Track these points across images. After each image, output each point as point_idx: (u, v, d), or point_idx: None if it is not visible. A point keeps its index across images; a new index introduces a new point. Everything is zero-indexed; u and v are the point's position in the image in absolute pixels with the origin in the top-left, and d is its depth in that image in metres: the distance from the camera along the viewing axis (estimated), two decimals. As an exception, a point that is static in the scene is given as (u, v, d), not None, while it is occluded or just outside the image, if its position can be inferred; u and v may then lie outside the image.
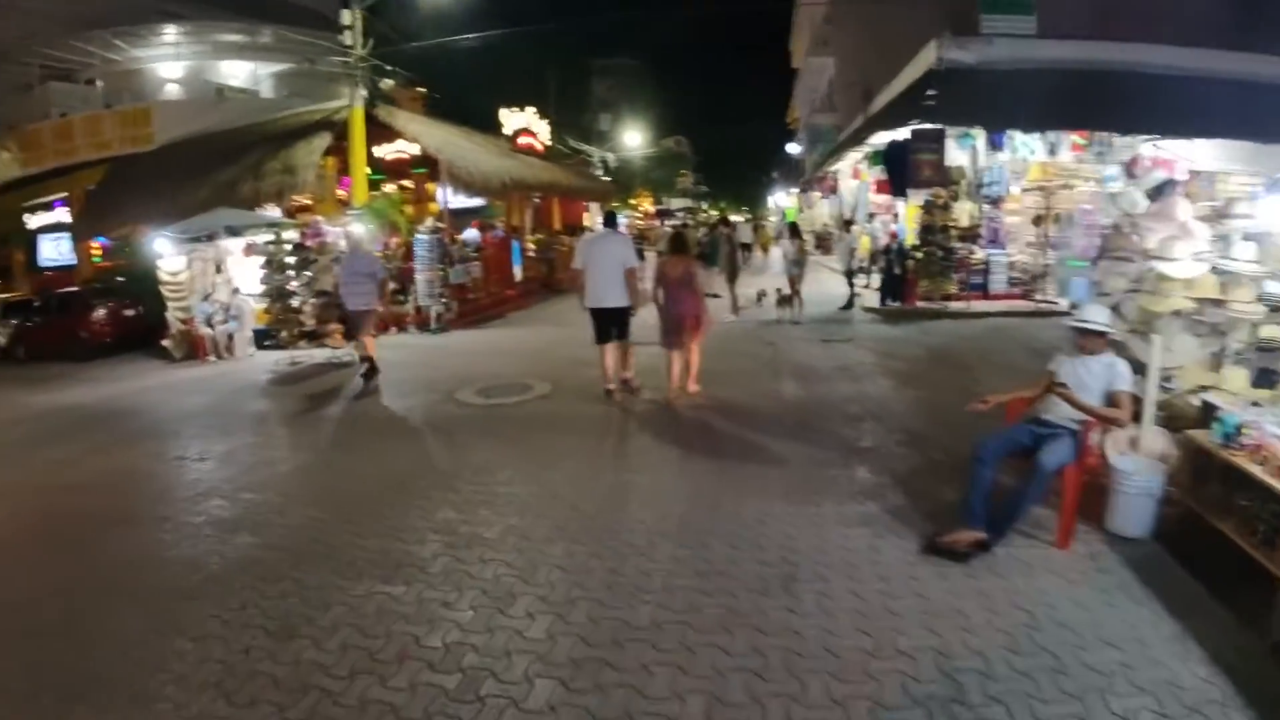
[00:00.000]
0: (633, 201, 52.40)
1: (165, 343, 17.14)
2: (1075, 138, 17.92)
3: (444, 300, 17.31)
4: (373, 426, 9.75)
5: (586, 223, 34.36)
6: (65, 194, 25.65)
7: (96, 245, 25.02)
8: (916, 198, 18.22)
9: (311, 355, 14.67)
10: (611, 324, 9.89)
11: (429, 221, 17.57)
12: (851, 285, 18.77)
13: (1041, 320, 16.02)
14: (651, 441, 8.28)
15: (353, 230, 13.85)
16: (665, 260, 9.97)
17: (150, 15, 27.05)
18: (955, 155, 17.78)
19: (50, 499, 7.84)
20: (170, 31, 27.26)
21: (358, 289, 12.04)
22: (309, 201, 19.77)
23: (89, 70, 27.14)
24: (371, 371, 11.96)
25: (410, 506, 6.72)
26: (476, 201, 24.89)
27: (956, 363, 12.01)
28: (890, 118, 17.92)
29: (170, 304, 17.00)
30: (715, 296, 17.70)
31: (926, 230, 17.57)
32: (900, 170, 17.42)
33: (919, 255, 17.74)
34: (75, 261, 26.39)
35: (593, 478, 7.18)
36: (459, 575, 5.39)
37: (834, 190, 32.17)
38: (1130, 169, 17.40)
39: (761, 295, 18.44)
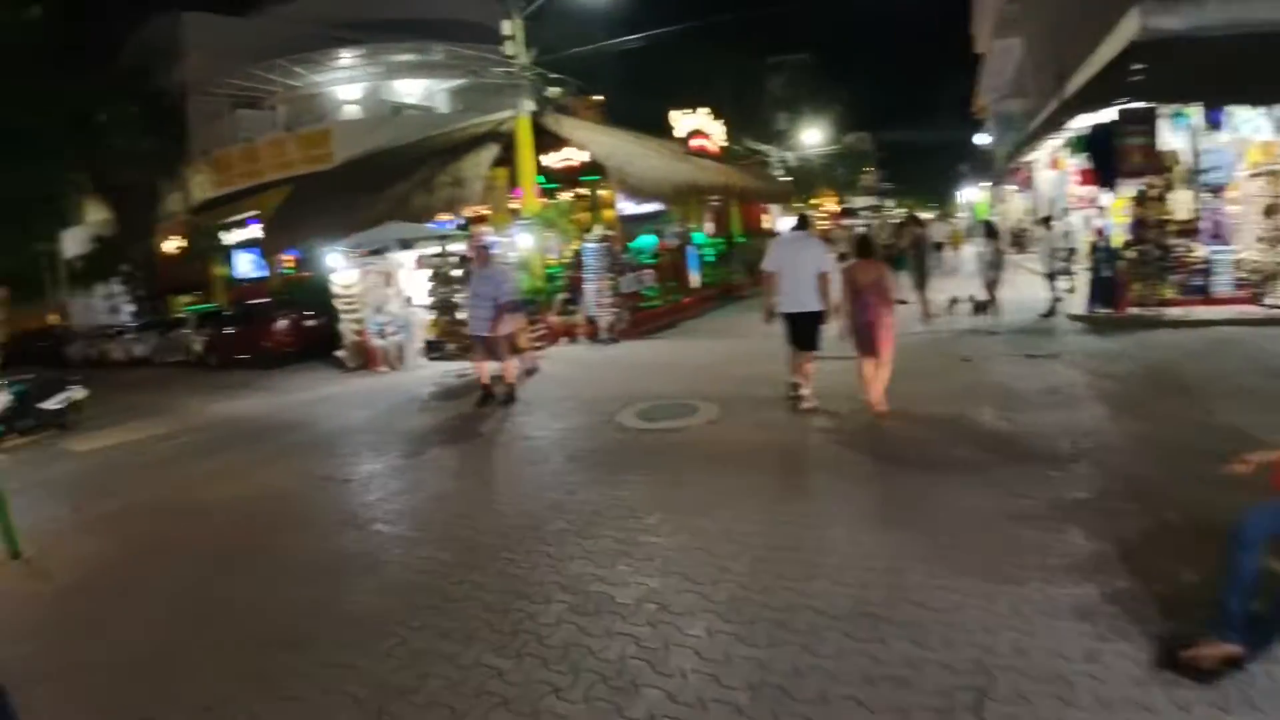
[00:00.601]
0: (814, 201, 50.87)
1: (339, 353, 17.36)
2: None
3: (614, 310, 16.63)
4: (522, 452, 9.10)
5: (765, 225, 33.26)
6: (256, 212, 26.67)
7: (289, 258, 25.91)
8: (1126, 188, 16.26)
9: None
10: (804, 329, 9.50)
11: (597, 230, 16.95)
12: (1054, 289, 16.94)
13: (1277, 331, 13.94)
14: (825, 483, 7.02)
15: (485, 242, 12.58)
16: (854, 265, 9.40)
17: (328, 42, 27.96)
18: (1168, 138, 15.69)
19: (169, 524, 7.88)
20: (346, 56, 28.16)
21: (479, 313, 11.34)
22: (485, 212, 19.68)
23: (273, 97, 28.32)
24: (507, 398, 11.46)
25: (542, 554, 5.91)
26: (655, 207, 24.48)
27: (1183, 386, 10.18)
28: (1090, 99, 16.00)
29: (344, 316, 17.17)
30: (903, 303, 16.40)
31: (1139, 225, 15.59)
32: (1106, 158, 15.44)
33: (1130, 254, 15.78)
34: (267, 274, 27.60)
35: (752, 529, 5.99)
36: (579, 652, 4.48)
37: (1029, 183, 29.71)
38: None
39: (954, 302, 16.91)
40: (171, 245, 34.97)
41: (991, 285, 15.06)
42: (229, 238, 30.38)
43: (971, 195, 57.85)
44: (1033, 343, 13.21)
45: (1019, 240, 31.41)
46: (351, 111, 29.12)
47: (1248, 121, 15.35)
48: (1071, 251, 16.84)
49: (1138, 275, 15.47)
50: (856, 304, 9.10)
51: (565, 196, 23.33)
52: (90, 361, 32.47)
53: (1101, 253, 15.84)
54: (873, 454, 7.61)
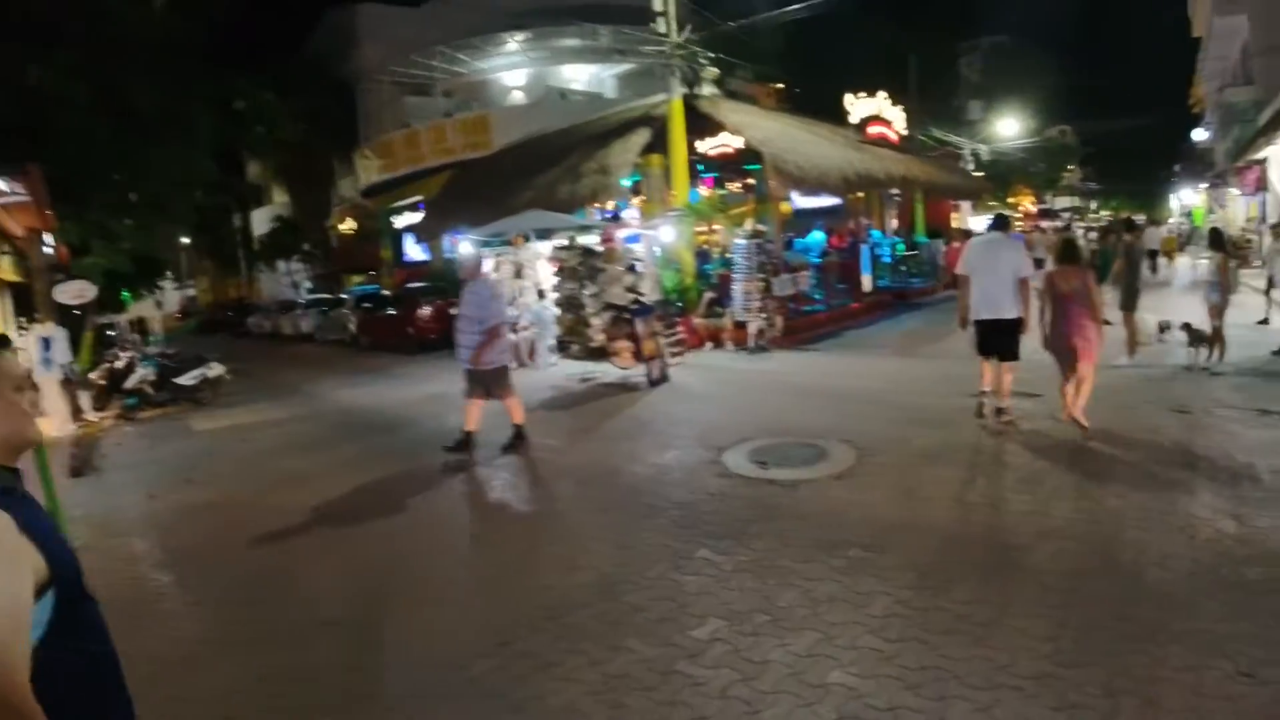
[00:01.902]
0: (1010, 200, 47.51)
1: (473, 347, 16.63)
2: None
3: (764, 315, 15.01)
4: (602, 493, 7.48)
5: (955, 224, 30.65)
6: (420, 197, 26.50)
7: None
8: None
9: (606, 371, 13.12)
10: (999, 338, 8.91)
11: (748, 224, 15.35)
12: None
13: None
14: (979, 595, 4.75)
15: (467, 252, 9.52)
16: (1056, 271, 8.80)
17: (498, 28, 27.53)
18: None
19: (222, 532, 7.32)
20: (512, 41, 27.57)
21: (462, 339, 9.00)
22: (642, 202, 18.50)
23: (440, 84, 28.08)
24: (514, 442, 9.17)
25: (543, 670, 4.32)
26: (833, 202, 22.76)
27: None
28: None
29: (476, 308, 16.40)
30: (1107, 324, 14.10)
31: None
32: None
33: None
34: (430, 258, 27.60)
35: (859, 678, 4.00)
36: None
37: (1260, 184, 26.00)
38: None
39: (1165, 328, 14.37)
40: (347, 227, 35.72)
41: (1217, 312, 12.48)
42: (399, 221, 30.64)
43: (1187, 198, 52.72)
44: (1269, 392, 10.63)
45: (1241, 253, 27.50)
46: (517, 98, 28.62)
47: None
48: None
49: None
50: (1057, 314, 8.57)
51: (734, 187, 22.02)
52: (264, 334, 33.90)
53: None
54: (1058, 565, 5.24)
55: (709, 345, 15.65)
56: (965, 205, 32.12)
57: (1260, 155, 23.09)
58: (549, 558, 5.92)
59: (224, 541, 7.07)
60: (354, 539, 6.85)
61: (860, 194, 23.56)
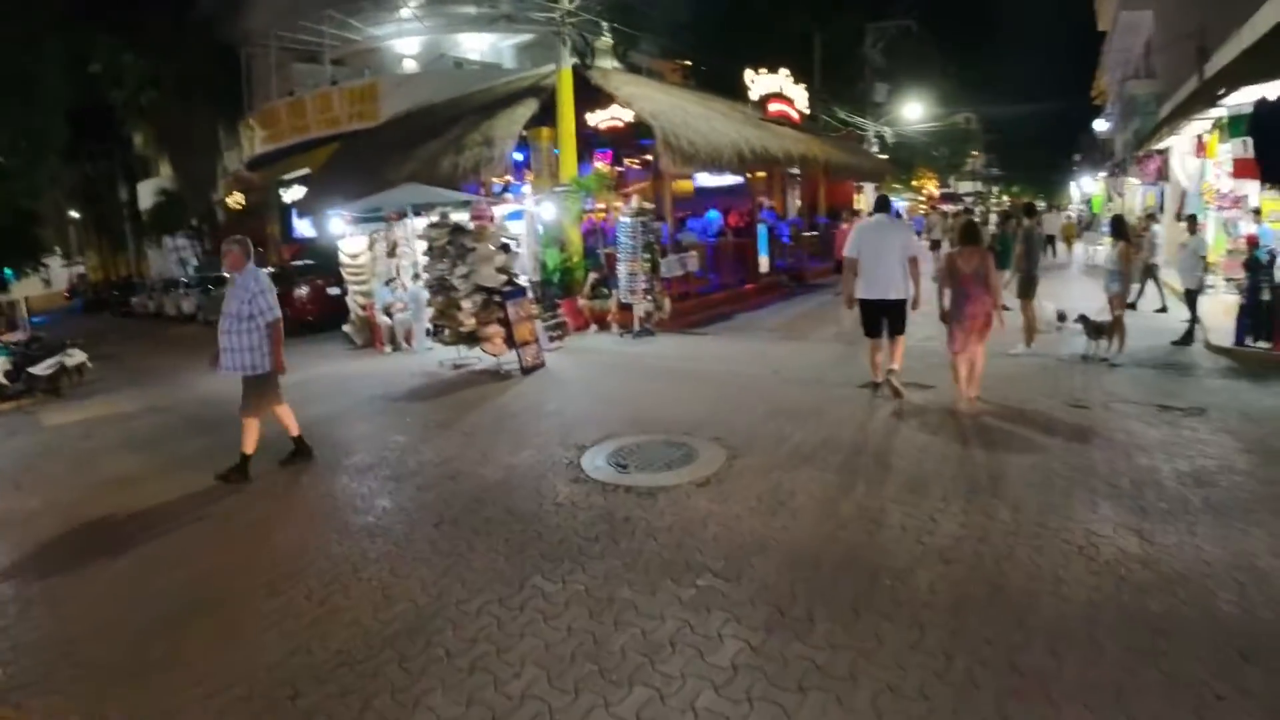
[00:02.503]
0: (914, 183, 47.77)
1: (346, 328, 15.78)
2: None
3: (650, 297, 14.38)
4: (440, 502, 6.62)
5: (859, 206, 30.39)
6: (308, 169, 25.22)
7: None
8: None
9: (480, 358, 12.39)
10: (885, 318, 9.22)
11: (634, 202, 14.66)
12: (1194, 310, 13.98)
13: None
14: (844, 638, 4.17)
15: (233, 241, 7.95)
16: (957, 252, 9.03)
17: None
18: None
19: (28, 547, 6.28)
20: (405, 6, 26.27)
21: (225, 340, 7.52)
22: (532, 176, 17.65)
23: (330, 51, 26.69)
24: (297, 453, 8.03)
25: None
26: (735, 180, 22.18)
27: None
28: (1253, 68, 13.08)
29: (351, 287, 15.51)
30: (1005, 309, 13.79)
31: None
32: (1276, 145, 12.50)
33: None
34: (317, 235, 26.35)
35: None
36: None
37: (1160, 174, 26.18)
38: None
39: (1063, 318, 14.17)
40: (235, 200, 34.01)
41: (1117, 302, 12.21)
42: (287, 195, 29.09)
43: (1086, 186, 53.68)
44: (1167, 387, 10.34)
45: (1139, 239, 27.91)
46: (409, 66, 27.31)
47: None
48: (1201, 259, 13.75)
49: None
50: (957, 294, 8.75)
51: (633, 164, 21.25)
52: (149, 314, 32.12)
53: (1261, 270, 12.89)
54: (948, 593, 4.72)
55: (594, 328, 15.02)
56: (868, 187, 31.92)
57: (1162, 146, 23.23)
58: (362, 585, 5.15)
59: (22, 561, 6.12)
60: (150, 560, 5.95)
61: (761, 173, 23.12)
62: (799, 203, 27.59)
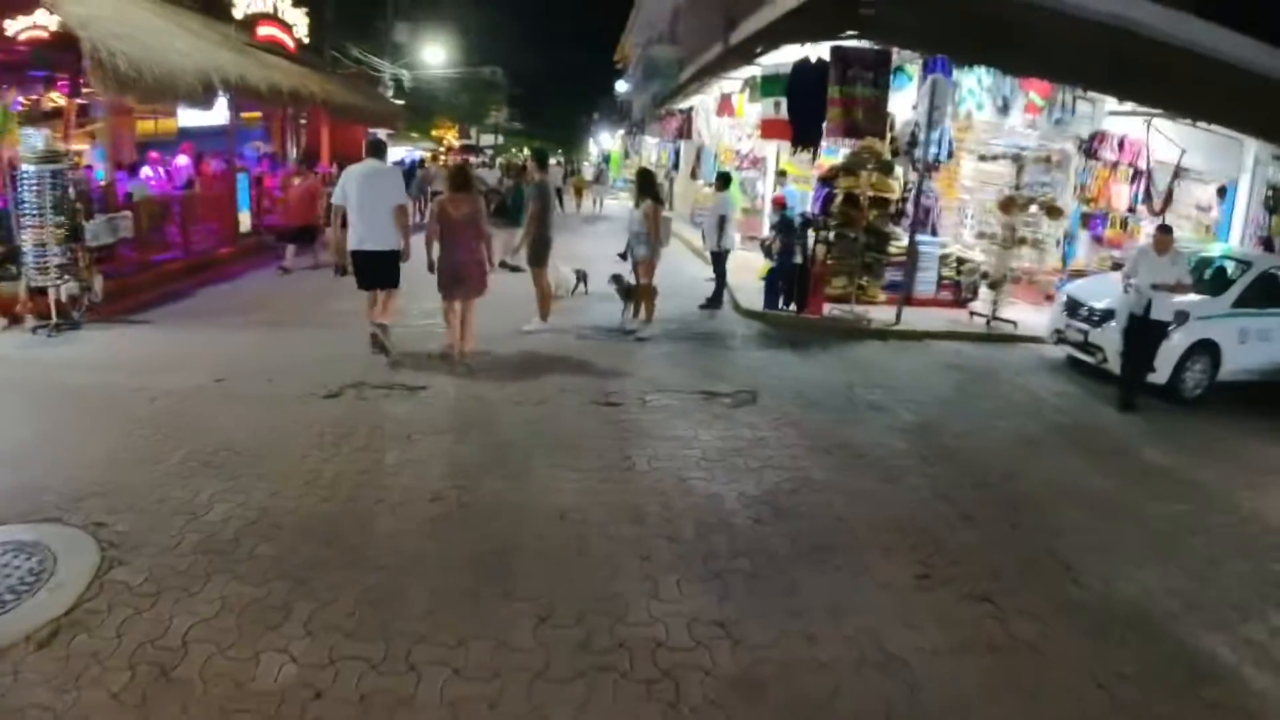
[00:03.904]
0: (434, 133, 45.32)
1: None
2: (1034, 95, 12.91)
3: (71, 277, 10.20)
4: None
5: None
6: None
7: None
8: (839, 150, 12.79)
9: None
10: (379, 269, 8.68)
11: (44, 139, 10.36)
12: (722, 273, 12.95)
13: (1013, 352, 11.01)
14: None
15: None
16: (448, 198, 8.75)
17: None
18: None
19: None
20: None
21: None
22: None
23: None
24: None
25: None
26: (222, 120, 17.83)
27: (986, 476, 6.74)
28: (790, 31, 12.06)
29: None
30: (515, 270, 12.35)
31: (828, 200, 12.01)
32: (811, 109, 11.56)
33: (830, 239, 12.11)
34: None
35: None
36: None
37: (682, 133, 25.96)
38: (1093, 146, 12.95)
39: (582, 279, 12.55)
40: None
41: (645, 268, 10.51)
42: None
43: (605, 143, 54.82)
44: (708, 365, 9.14)
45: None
46: None
47: (972, 93, 12.37)
48: (723, 220, 12.80)
49: (843, 267, 11.84)
50: (448, 242, 8.58)
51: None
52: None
53: (793, 232, 11.99)
54: None
55: (2, 323, 10.49)
56: (383, 134, 28.73)
57: (685, 105, 22.98)
58: None
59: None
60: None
61: (255, 113, 19.88)
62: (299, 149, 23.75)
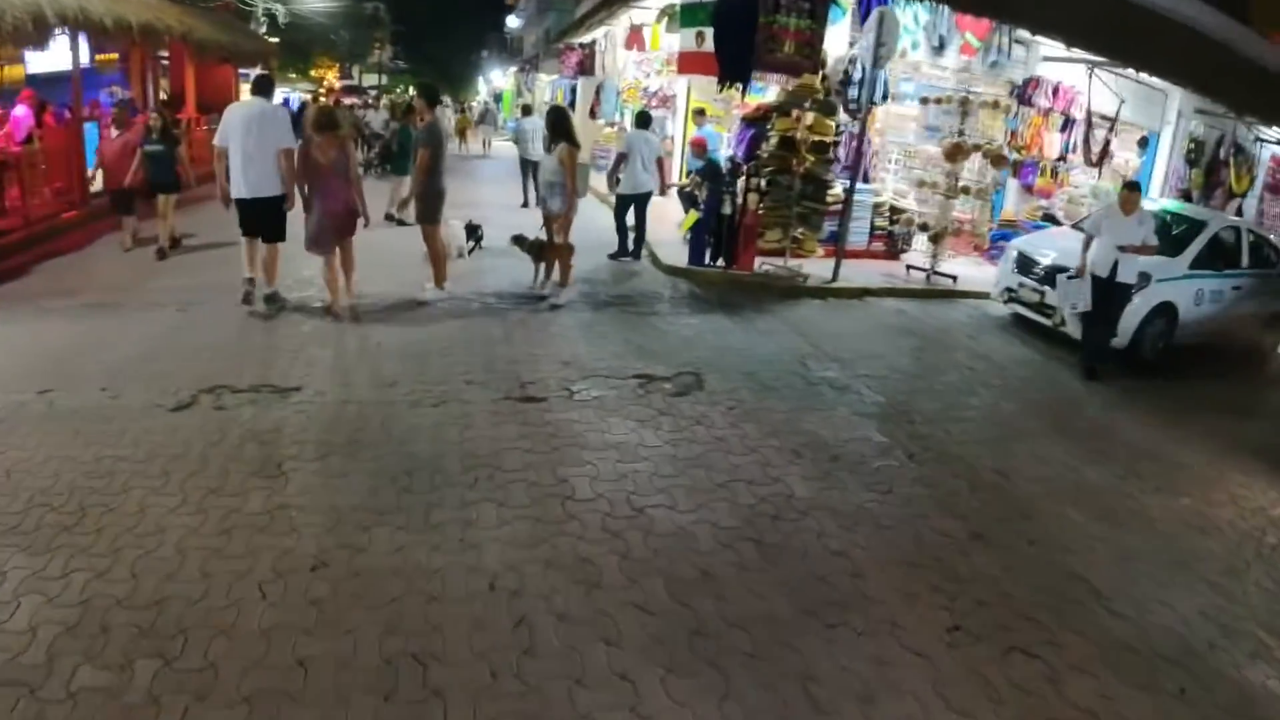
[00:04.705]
0: (313, 73, 42.65)
1: None
2: (970, 36, 11.96)
3: None
4: None
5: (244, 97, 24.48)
6: None
7: None
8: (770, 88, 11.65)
9: None
10: (263, 217, 8.01)
11: None
12: (641, 220, 11.75)
13: (957, 309, 10.78)
14: None
15: None
16: (314, 142, 7.83)
17: None
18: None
19: None
20: None
21: None
22: None
23: None
24: None
25: None
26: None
27: (978, 475, 5.93)
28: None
29: None
30: (401, 224, 11.77)
31: (785, 147, 10.77)
32: (739, 41, 10.24)
33: (762, 186, 10.91)
34: None
35: None
36: None
37: (582, 68, 24.36)
38: (1026, 92, 12.27)
39: (474, 236, 11.26)
40: None
41: (558, 223, 9.14)
42: None
43: (496, 80, 52.48)
44: (635, 334, 8.24)
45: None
46: None
47: (907, 30, 11.34)
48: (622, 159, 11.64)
49: (773, 218, 10.73)
50: (315, 189, 7.92)
51: None
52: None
53: (719, 180, 10.82)
54: None
55: None
56: (255, 73, 26.36)
57: (588, 38, 21.52)
58: None
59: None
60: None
61: (112, 54, 18.14)
62: (162, 94, 21.40)
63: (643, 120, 12.17)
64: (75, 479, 4.87)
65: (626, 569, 4.28)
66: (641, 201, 11.68)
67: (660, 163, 12.07)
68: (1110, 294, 8.42)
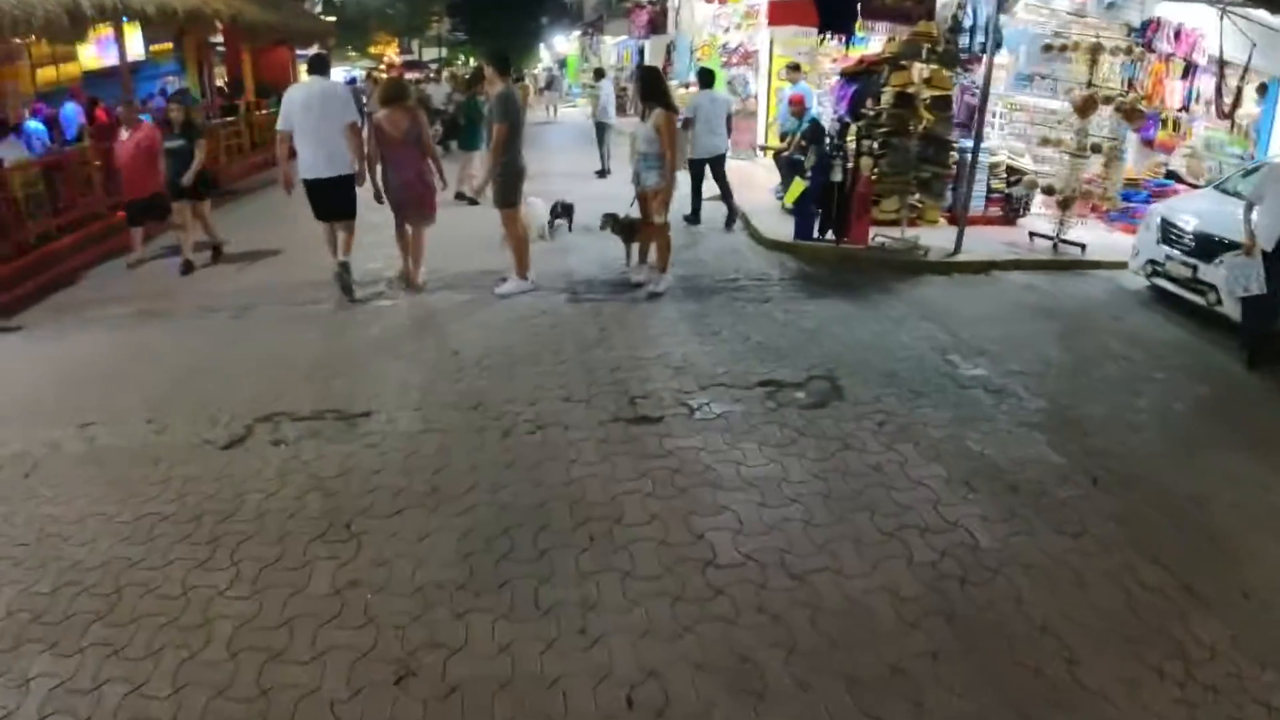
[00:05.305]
0: (373, 50, 42.17)
1: None
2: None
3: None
4: None
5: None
6: None
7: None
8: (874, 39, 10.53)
9: None
10: (334, 197, 7.81)
11: None
12: (724, 184, 10.79)
13: (1090, 282, 9.48)
14: None
15: None
16: (384, 115, 7.72)
17: None
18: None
19: None
20: None
21: None
22: None
23: None
24: None
25: None
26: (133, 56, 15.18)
27: (1173, 505, 4.75)
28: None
29: None
30: (471, 203, 11.12)
31: (902, 103, 9.57)
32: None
33: (875, 150, 9.74)
34: None
35: None
36: None
37: (654, 26, 23.17)
38: (1146, 36, 11.19)
39: (557, 216, 10.32)
40: None
41: (662, 202, 7.89)
42: None
43: (559, 47, 51.23)
44: (750, 328, 7.28)
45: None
46: None
47: None
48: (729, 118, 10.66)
49: (890, 184, 9.57)
50: (388, 162, 7.82)
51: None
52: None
53: (826, 143, 9.70)
54: None
55: None
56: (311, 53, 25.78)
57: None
58: None
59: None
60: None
61: (167, 44, 18.01)
62: (220, 82, 20.83)
63: (705, 79, 11.12)
64: (112, 546, 4.10)
65: (796, 668, 3.28)
66: (717, 164, 10.72)
67: (729, 120, 11.03)
68: (1275, 269, 7.05)
